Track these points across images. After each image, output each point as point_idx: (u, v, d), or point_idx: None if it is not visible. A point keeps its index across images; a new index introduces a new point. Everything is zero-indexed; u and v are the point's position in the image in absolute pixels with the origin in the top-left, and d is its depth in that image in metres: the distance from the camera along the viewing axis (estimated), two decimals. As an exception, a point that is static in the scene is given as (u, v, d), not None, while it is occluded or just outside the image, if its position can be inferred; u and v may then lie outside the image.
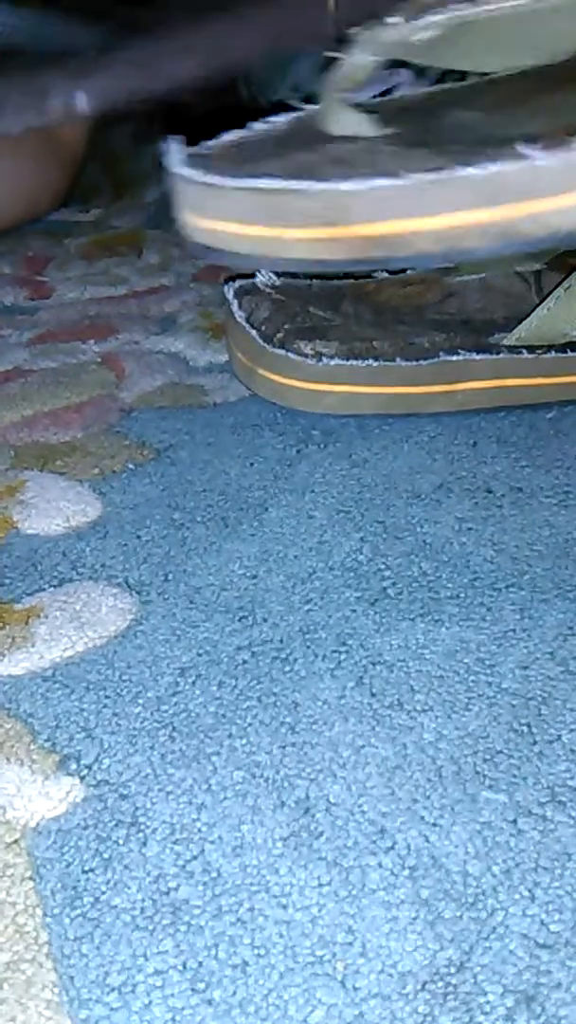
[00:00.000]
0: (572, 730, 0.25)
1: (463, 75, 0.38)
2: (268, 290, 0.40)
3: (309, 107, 0.37)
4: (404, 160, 0.32)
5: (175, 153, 0.35)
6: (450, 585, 0.30)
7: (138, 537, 0.33)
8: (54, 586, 0.31)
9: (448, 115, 0.36)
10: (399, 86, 0.36)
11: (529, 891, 0.21)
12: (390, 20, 0.35)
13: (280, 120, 0.37)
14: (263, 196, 0.33)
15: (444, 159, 0.31)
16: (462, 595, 0.29)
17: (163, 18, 0.35)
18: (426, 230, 0.32)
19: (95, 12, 0.37)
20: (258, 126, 0.37)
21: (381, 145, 0.34)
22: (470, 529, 0.32)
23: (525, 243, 0.32)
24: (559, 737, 0.25)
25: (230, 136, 0.37)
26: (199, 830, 0.23)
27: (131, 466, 0.37)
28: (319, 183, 0.32)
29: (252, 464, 0.36)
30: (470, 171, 0.31)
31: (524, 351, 0.37)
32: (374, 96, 0.37)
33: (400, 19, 0.35)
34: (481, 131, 0.34)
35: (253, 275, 0.41)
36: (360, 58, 0.35)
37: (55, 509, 0.34)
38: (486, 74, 0.38)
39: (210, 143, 0.36)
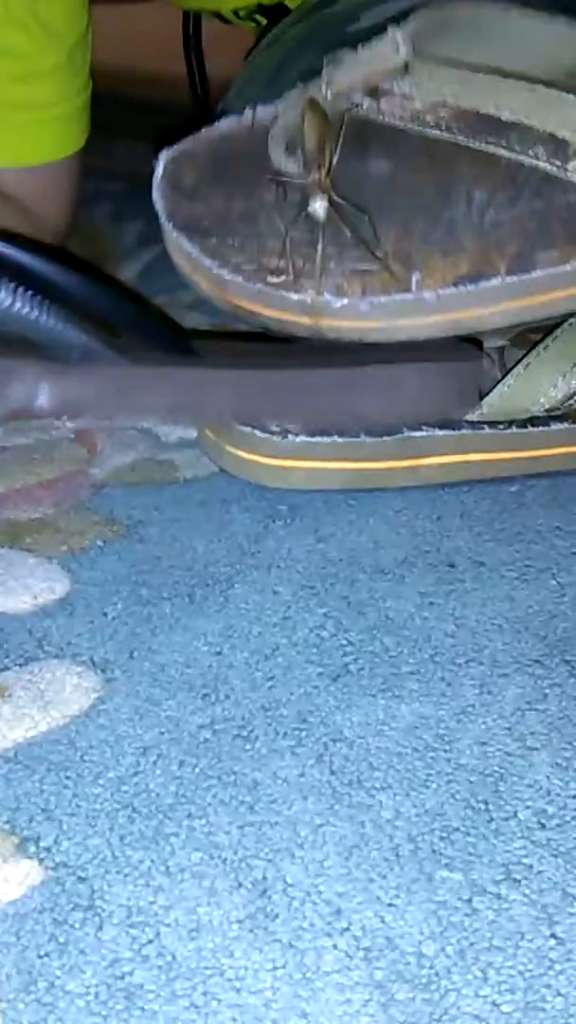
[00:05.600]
0: (528, 807, 0.25)
1: None
2: (237, 368, 0.41)
3: None
4: None
5: None
6: (411, 660, 0.30)
7: (104, 614, 0.33)
8: (20, 665, 0.31)
9: None
10: None
11: (482, 971, 0.21)
12: None
13: None
14: None
15: None
16: (423, 670, 0.30)
17: None
18: None
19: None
20: None
21: None
22: (432, 604, 0.33)
23: None
24: (515, 814, 0.25)
25: None
26: (155, 913, 0.23)
27: (100, 543, 0.37)
28: None
29: (219, 540, 0.37)
30: None
31: (486, 427, 0.38)
32: None
33: None
34: None
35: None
36: None
37: (23, 587, 0.35)
38: None
39: None
